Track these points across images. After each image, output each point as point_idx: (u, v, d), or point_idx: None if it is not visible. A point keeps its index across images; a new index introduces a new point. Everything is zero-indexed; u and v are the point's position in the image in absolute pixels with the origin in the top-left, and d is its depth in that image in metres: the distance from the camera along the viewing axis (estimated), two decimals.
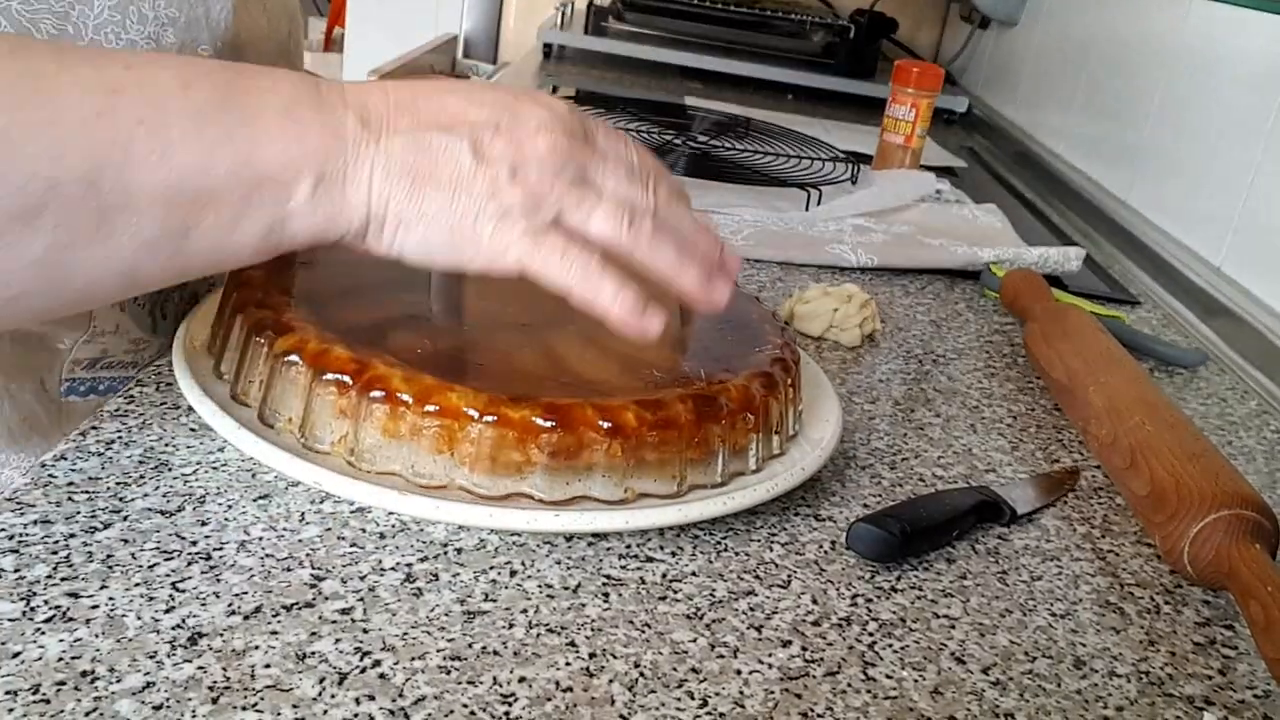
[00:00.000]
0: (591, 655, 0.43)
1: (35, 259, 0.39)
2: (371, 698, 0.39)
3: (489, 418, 0.48)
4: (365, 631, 0.42)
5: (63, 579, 0.42)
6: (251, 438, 0.48)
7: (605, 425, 0.48)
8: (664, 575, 0.49)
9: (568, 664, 0.42)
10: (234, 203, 0.41)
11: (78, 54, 0.41)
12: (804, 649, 0.45)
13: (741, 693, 0.42)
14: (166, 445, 0.52)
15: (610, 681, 0.42)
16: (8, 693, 0.36)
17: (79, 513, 0.46)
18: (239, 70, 0.43)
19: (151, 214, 0.40)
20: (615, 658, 0.43)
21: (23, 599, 0.41)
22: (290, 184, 0.42)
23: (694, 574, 0.49)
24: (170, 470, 0.50)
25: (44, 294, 0.41)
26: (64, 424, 0.59)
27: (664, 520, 0.49)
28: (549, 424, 0.48)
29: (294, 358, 0.49)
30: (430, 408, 0.48)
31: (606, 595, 0.47)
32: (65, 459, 0.50)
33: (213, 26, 0.57)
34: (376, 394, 0.48)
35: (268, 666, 0.40)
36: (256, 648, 0.40)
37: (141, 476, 0.49)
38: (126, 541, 0.45)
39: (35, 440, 0.58)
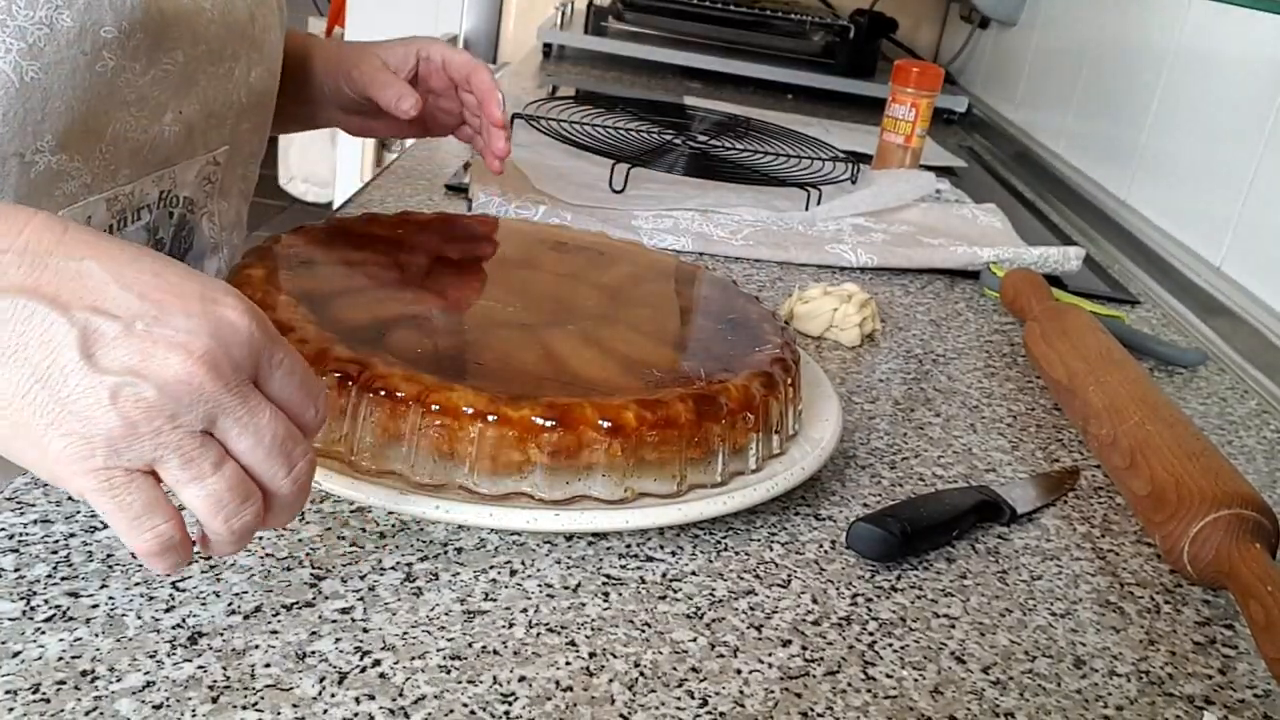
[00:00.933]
0: (591, 654, 0.43)
1: None
2: (371, 697, 0.39)
3: (489, 417, 0.48)
4: (365, 631, 0.42)
5: (63, 578, 0.42)
6: None
7: (605, 425, 0.48)
8: (664, 575, 0.49)
9: (568, 663, 0.42)
10: None
11: None
12: (804, 648, 0.45)
13: (741, 692, 0.42)
14: None
15: (610, 681, 0.42)
16: (8, 692, 0.36)
17: (79, 512, 0.46)
18: None
19: None
20: (615, 657, 0.43)
21: (23, 598, 0.41)
22: None
23: (694, 573, 0.49)
24: None
25: None
26: None
27: (664, 520, 0.49)
28: (549, 423, 0.48)
29: None
30: (430, 407, 0.48)
31: (606, 595, 0.47)
32: None
33: (117, 6, 0.52)
34: (376, 393, 0.48)
35: (268, 666, 0.40)
36: (256, 647, 0.40)
37: None
38: None
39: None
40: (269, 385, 0.38)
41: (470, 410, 0.47)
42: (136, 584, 0.42)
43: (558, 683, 0.41)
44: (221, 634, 0.41)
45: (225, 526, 0.38)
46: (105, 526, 0.45)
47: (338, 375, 0.48)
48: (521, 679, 0.41)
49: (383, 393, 0.48)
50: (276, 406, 0.38)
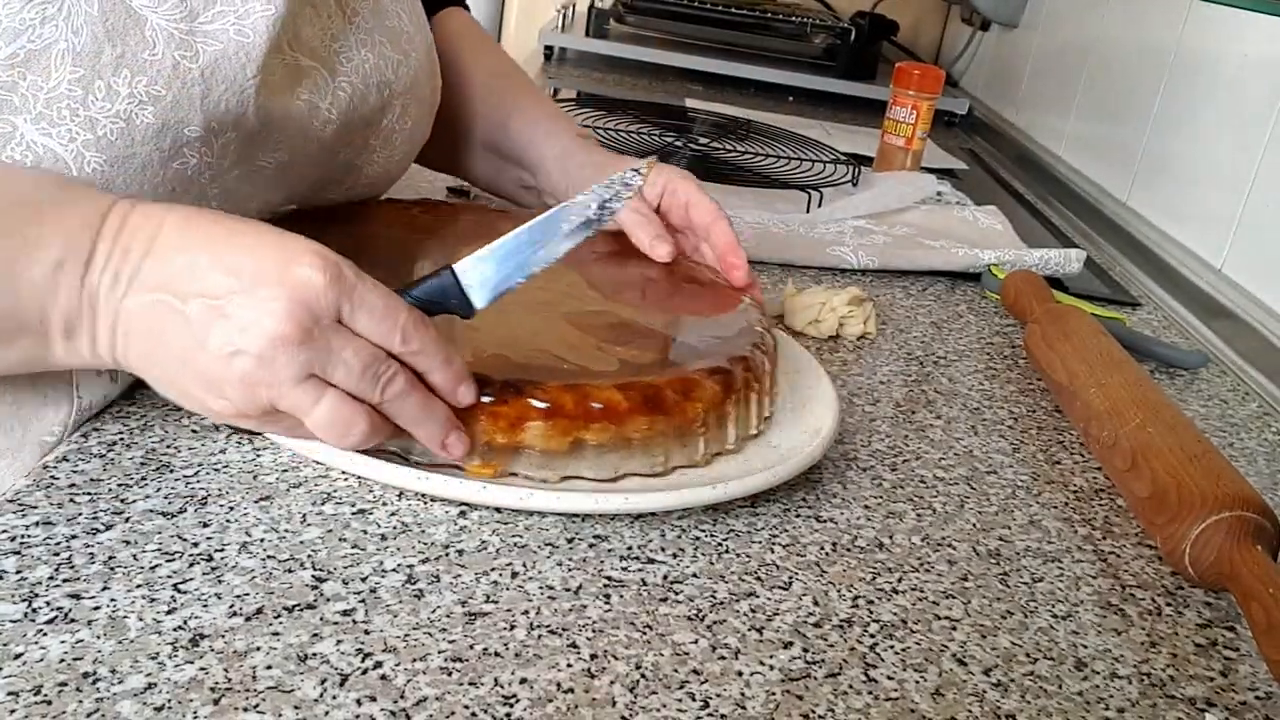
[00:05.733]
0: (593, 656, 0.43)
1: None
2: (373, 699, 0.39)
3: (485, 399, 0.49)
4: (367, 633, 0.42)
5: (64, 580, 0.42)
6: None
7: (597, 407, 0.50)
8: (665, 577, 0.49)
9: (569, 665, 0.42)
10: None
11: None
12: (805, 650, 0.45)
13: (743, 694, 0.42)
14: (168, 447, 0.52)
15: (611, 683, 0.42)
16: (10, 694, 0.36)
17: (81, 514, 0.46)
18: (31, 211, 0.44)
19: None
20: (616, 659, 0.43)
21: (24, 600, 0.41)
22: (45, 336, 0.45)
23: (695, 575, 0.49)
24: (172, 472, 0.50)
25: None
26: None
27: (657, 504, 0.51)
28: (543, 405, 0.50)
29: None
30: None
31: (608, 597, 0.47)
32: (67, 460, 0.50)
33: (209, 109, 0.50)
34: None
35: (269, 668, 0.40)
36: (258, 649, 0.40)
37: (143, 478, 0.49)
38: (128, 543, 0.45)
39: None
40: (354, 323, 0.45)
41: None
42: (138, 586, 0.43)
43: (559, 684, 0.41)
44: (223, 636, 0.41)
45: (342, 443, 0.47)
46: (108, 529, 0.45)
47: None
48: (523, 681, 0.41)
49: None
50: (364, 339, 0.45)
